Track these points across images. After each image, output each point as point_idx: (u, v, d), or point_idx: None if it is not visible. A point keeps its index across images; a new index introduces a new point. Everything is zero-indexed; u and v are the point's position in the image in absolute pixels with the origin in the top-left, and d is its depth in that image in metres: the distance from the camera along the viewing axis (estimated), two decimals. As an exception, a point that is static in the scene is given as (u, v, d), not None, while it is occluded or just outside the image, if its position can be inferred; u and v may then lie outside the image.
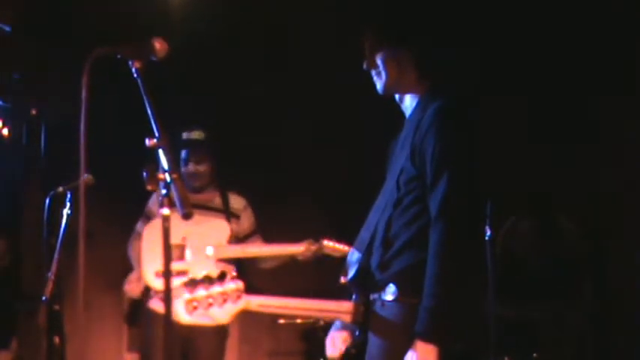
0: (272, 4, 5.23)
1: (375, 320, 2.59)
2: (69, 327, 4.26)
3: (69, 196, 4.01)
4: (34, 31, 5.28)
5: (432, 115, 2.53)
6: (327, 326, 4.54)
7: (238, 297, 2.46)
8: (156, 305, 4.39)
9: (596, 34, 4.66)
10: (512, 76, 4.77)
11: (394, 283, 2.53)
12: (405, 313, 2.49)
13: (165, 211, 2.07)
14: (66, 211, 3.99)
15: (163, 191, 2.08)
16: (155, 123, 2.15)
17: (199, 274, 4.09)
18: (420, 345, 2.38)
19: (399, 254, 2.54)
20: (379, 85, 2.69)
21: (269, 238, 4.69)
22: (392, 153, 2.77)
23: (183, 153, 4.48)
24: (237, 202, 4.57)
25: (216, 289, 2.44)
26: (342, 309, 2.65)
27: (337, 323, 2.76)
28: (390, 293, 2.53)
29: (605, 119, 4.60)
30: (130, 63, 2.24)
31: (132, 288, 4.55)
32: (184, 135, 4.50)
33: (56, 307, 3.97)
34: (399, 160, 2.63)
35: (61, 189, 4.06)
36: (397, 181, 2.59)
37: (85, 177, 2.21)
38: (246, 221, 4.58)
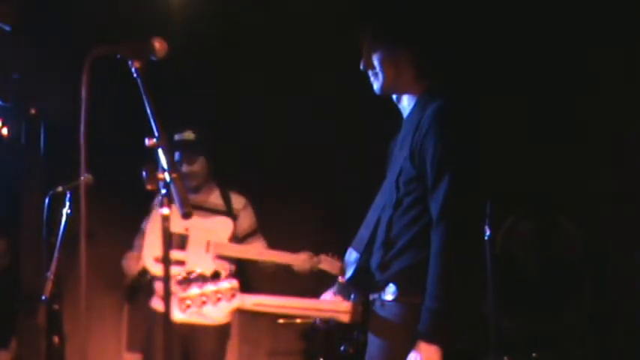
0: (272, 3, 5.23)
1: (375, 320, 2.60)
2: (68, 327, 4.25)
3: (68, 195, 4.01)
4: (33, 30, 5.28)
5: (431, 116, 2.53)
6: (324, 325, 4.56)
7: (233, 295, 2.47)
8: (157, 304, 4.40)
9: (596, 34, 4.65)
10: (513, 76, 4.77)
11: (394, 283, 2.53)
12: (405, 313, 2.49)
13: (165, 210, 2.08)
14: (65, 211, 3.98)
15: (163, 191, 2.08)
16: (154, 123, 2.15)
17: (195, 266, 4.12)
18: (423, 346, 2.38)
19: (399, 255, 2.54)
20: (376, 85, 2.69)
21: (269, 238, 4.68)
22: (391, 153, 2.77)
23: (176, 155, 4.48)
24: (236, 201, 4.57)
25: (210, 287, 2.45)
26: (340, 309, 2.65)
27: (335, 288, 2.76)
28: (389, 293, 2.53)
29: (606, 119, 4.60)
30: (130, 63, 2.24)
31: (128, 264, 4.57)
32: (176, 137, 4.50)
33: (56, 306, 3.97)
34: (398, 160, 2.63)
35: (60, 189, 4.06)
36: (396, 182, 2.58)
37: (85, 177, 2.21)
38: (245, 221, 4.57)
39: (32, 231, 5.03)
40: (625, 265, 4.49)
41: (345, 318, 2.64)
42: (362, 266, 2.68)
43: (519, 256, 4.74)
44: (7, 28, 5.17)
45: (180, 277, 2.41)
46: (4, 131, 5.53)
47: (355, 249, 2.72)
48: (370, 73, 2.70)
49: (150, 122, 2.15)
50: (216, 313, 2.48)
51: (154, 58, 2.28)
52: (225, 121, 5.40)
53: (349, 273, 2.69)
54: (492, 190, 2.88)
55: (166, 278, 2.10)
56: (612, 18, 4.64)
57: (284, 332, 5.24)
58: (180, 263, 4.24)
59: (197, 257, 4.28)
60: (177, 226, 4.16)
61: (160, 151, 2.11)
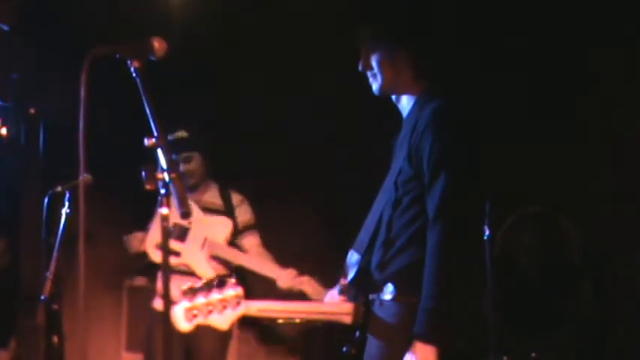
0: (272, 3, 5.23)
1: (374, 320, 2.60)
2: (67, 326, 4.25)
3: (68, 195, 4.01)
4: (33, 30, 5.28)
5: (428, 116, 2.53)
6: (325, 326, 4.56)
7: (238, 303, 2.48)
8: (159, 304, 4.39)
9: (596, 34, 4.65)
10: (513, 75, 4.76)
11: (392, 283, 2.53)
12: (402, 312, 2.49)
13: (164, 210, 2.08)
14: (65, 211, 3.98)
15: (162, 191, 2.08)
16: (154, 122, 2.15)
17: (189, 261, 4.12)
18: (419, 346, 2.38)
19: (397, 254, 2.54)
20: (375, 86, 2.70)
21: (268, 239, 4.68)
22: (393, 153, 2.77)
23: (172, 156, 4.46)
24: (233, 198, 4.56)
25: (216, 296, 2.47)
26: (342, 310, 2.64)
27: (338, 289, 2.75)
28: (388, 293, 2.53)
29: (606, 119, 4.59)
30: (129, 62, 2.23)
31: (131, 242, 4.62)
32: (169, 137, 4.49)
33: (55, 306, 3.97)
34: (398, 160, 2.64)
35: (59, 188, 4.05)
36: (396, 182, 2.59)
37: (84, 176, 2.21)
38: (241, 216, 4.55)
39: (31, 231, 5.03)
40: (625, 265, 4.49)
41: (347, 319, 2.64)
42: (363, 267, 2.68)
43: (519, 257, 4.74)
44: (6, 28, 5.17)
45: (185, 287, 2.42)
46: (4, 131, 5.53)
47: (356, 250, 2.72)
48: (369, 74, 2.71)
49: (149, 122, 2.15)
50: (221, 321, 2.49)
51: (153, 58, 2.28)
52: (225, 121, 5.40)
53: (351, 274, 2.69)
54: (492, 190, 2.87)
55: (166, 278, 2.10)
56: (612, 18, 4.64)
57: (283, 332, 5.24)
58: (176, 254, 4.27)
59: (192, 252, 4.33)
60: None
61: (160, 151, 2.11)
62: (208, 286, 2.44)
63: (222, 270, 4.39)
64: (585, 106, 4.65)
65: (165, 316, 2.12)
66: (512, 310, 4.57)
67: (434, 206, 2.44)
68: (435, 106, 2.55)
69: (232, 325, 4.39)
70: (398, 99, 2.73)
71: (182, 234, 4.37)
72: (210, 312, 2.44)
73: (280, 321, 4.67)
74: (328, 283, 2.67)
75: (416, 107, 2.65)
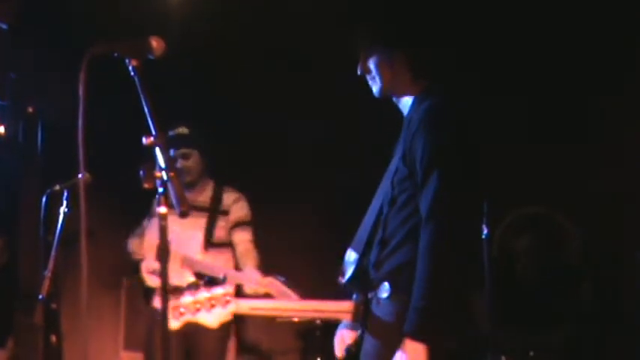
0: (271, 3, 5.22)
1: (371, 318, 2.60)
2: (66, 326, 4.25)
3: (66, 194, 4.00)
4: (31, 29, 5.27)
5: (422, 114, 2.54)
6: (324, 325, 4.56)
7: (227, 301, 2.51)
8: (158, 303, 4.39)
9: (596, 34, 4.65)
10: (513, 76, 4.76)
11: (388, 281, 2.53)
12: (398, 310, 2.49)
13: (162, 209, 2.07)
14: (63, 210, 3.97)
15: (160, 189, 2.07)
16: (152, 121, 2.14)
17: (173, 280, 4.07)
18: (409, 344, 2.38)
19: (392, 253, 2.55)
20: (375, 88, 2.70)
21: (268, 238, 4.67)
22: (394, 153, 2.77)
23: (171, 152, 4.46)
24: (228, 197, 4.53)
25: (203, 294, 2.51)
26: (342, 309, 2.64)
27: (345, 322, 2.74)
28: (384, 291, 2.54)
29: (606, 119, 4.59)
30: (127, 61, 2.23)
31: (132, 246, 4.59)
32: (170, 133, 4.48)
33: (53, 305, 3.96)
34: (395, 159, 2.64)
35: (58, 187, 4.04)
36: (392, 181, 2.60)
37: (83, 175, 2.20)
38: (236, 213, 4.51)
39: (30, 229, 5.02)
40: (625, 265, 4.48)
41: (347, 318, 2.64)
42: (361, 266, 2.67)
43: (517, 256, 4.74)
44: (4, 27, 5.16)
45: (172, 286, 2.43)
46: (2, 130, 5.52)
47: (354, 249, 2.72)
48: (368, 77, 2.71)
49: (147, 121, 2.14)
50: (210, 319, 2.52)
51: (151, 57, 2.27)
52: (225, 121, 5.39)
53: (348, 273, 2.69)
54: (491, 190, 2.86)
55: (164, 276, 2.10)
56: (612, 18, 4.64)
57: (281, 331, 5.24)
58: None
59: (174, 271, 4.15)
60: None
61: (158, 150, 2.11)
62: (196, 286, 2.48)
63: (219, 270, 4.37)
64: (585, 106, 4.66)
65: (163, 315, 2.12)
66: (511, 309, 4.57)
67: (426, 206, 2.43)
68: (428, 105, 2.56)
69: (230, 320, 4.44)
70: (398, 100, 2.73)
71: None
72: (197, 310, 2.48)
73: (279, 320, 4.71)
74: (328, 281, 2.66)
75: (413, 107, 2.65)
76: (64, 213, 3.96)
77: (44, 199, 4.11)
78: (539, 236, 4.71)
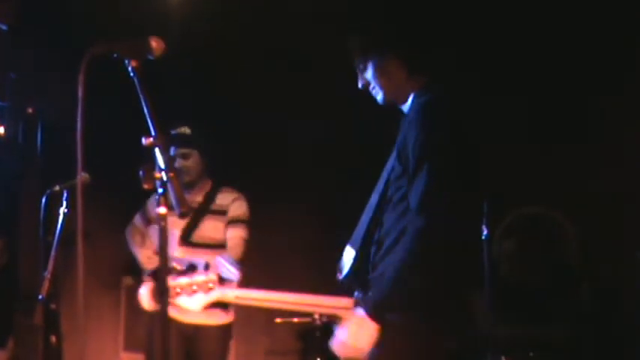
0: (271, 3, 5.22)
1: None
2: (66, 326, 4.25)
3: (65, 194, 4.00)
4: (31, 30, 5.27)
5: (414, 112, 2.55)
6: (324, 325, 4.56)
7: (210, 288, 2.56)
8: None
9: (596, 34, 4.65)
10: (513, 76, 4.76)
11: None
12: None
13: (162, 209, 2.07)
14: (62, 210, 3.97)
15: (160, 190, 2.07)
16: (152, 122, 2.14)
17: None
18: (360, 315, 2.43)
19: (385, 254, 2.55)
20: (379, 97, 2.72)
21: (268, 239, 4.67)
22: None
23: (171, 150, 4.45)
24: (225, 197, 4.51)
25: (184, 280, 2.56)
26: (340, 305, 2.64)
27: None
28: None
29: (606, 119, 4.59)
30: (127, 62, 2.22)
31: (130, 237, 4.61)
32: (171, 132, 4.48)
33: (53, 306, 3.96)
34: (391, 157, 2.64)
35: (57, 188, 4.04)
36: (388, 179, 2.60)
37: (82, 176, 2.20)
38: (233, 211, 4.49)
39: (29, 230, 5.02)
40: (625, 265, 4.48)
41: (345, 314, 2.63)
42: (358, 264, 2.67)
43: (517, 256, 4.74)
44: (4, 27, 5.16)
45: (151, 270, 2.46)
46: (1, 130, 5.52)
47: (352, 246, 2.72)
48: (370, 89, 2.72)
49: (147, 121, 2.14)
50: (191, 303, 2.57)
51: (151, 57, 2.27)
52: (225, 121, 5.39)
53: (346, 270, 2.69)
54: (491, 189, 2.86)
55: (163, 276, 2.09)
56: (612, 18, 4.64)
57: (281, 331, 5.24)
58: None
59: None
60: None
61: (157, 151, 2.10)
62: (177, 272, 2.52)
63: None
64: (585, 106, 4.65)
65: (163, 315, 2.11)
66: (511, 309, 4.57)
67: (415, 200, 2.42)
68: (423, 101, 2.57)
69: (231, 321, 4.44)
70: (403, 105, 2.73)
71: None
72: (178, 294, 2.54)
73: (278, 320, 4.71)
74: (327, 281, 2.66)
75: (412, 104, 2.66)
76: (64, 214, 3.96)
77: (44, 200, 4.10)
78: (538, 236, 4.71)
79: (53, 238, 3.94)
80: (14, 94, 5.46)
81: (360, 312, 2.45)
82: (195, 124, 4.57)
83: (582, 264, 4.64)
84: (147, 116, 2.15)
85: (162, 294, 2.11)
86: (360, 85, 2.73)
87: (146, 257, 4.47)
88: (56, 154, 5.06)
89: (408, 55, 2.65)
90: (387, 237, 2.56)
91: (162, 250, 2.11)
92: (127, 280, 5.34)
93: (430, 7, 3.49)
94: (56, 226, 3.96)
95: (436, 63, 2.71)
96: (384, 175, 2.68)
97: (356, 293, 2.67)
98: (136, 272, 4.76)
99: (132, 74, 2.22)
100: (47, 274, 3.86)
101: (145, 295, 2.67)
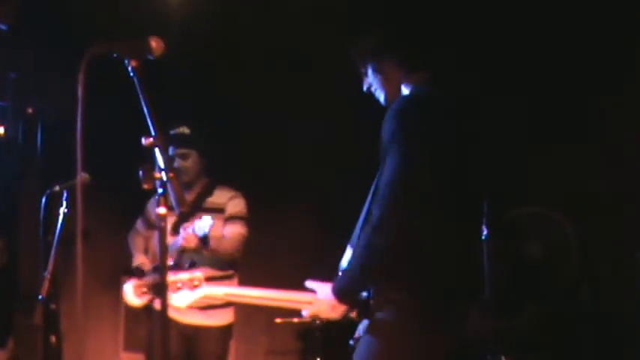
0: (271, 3, 5.22)
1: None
2: (66, 326, 4.24)
3: (65, 195, 4.00)
4: (31, 30, 5.26)
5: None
6: (324, 325, 4.56)
7: (195, 286, 2.60)
8: (158, 305, 4.38)
9: (596, 34, 4.65)
10: (513, 76, 4.76)
11: None
12: (387, 303, 2.50)
13: (162, 210, 2.07)
14: (62, 210, 3.97)
15: (160, 190, 2.07)
16: (152, 122, 2.14)
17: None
18: (327, 293, 2.50)
19: None
20: (381, 99, 2.75)
21: (268, 239, 4.66)
22: None
23: (170, 150, 4.45)
24: (222, 196, 4.50)
25: (169, 277, 2.58)
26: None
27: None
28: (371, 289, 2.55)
29: (606, 119, 4.59)
30: (127, 62, 2.22)
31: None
32: (170, 132, 4.48)
33: (53, 306, 3.96)
34: None
35: (57, 188, 4.04)
36: (378, 177, 2.62)
37: (82, 176, 2.20)
38: (230, 209, 4.49)
39: (29, 230, 5.02)
40: (625, 265, 4.48)
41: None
42: None
43: (517, 257, 4.73)
44: (4, 27, 5.16)
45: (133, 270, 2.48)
46: (1, 130, 5.52)
47: (351, 247, 2.73)
48: (372, 90, 2.75)
49: (147, 121, 2.14)
50: (178, 301, 2.60)
51: (151, 57, 2.27)
52: (225, 121, 5.39)
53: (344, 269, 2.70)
54: (491, 189, 2.86)
55: (163, 277, 2.10)
56: (612, 18, 4.64)
57: (280, 331, 5.24)
58: None
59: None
60: None
61: (157, 151, 2.10)
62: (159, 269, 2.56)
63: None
64: (585, 106, 4.65)
65: (163, 315, 2.12)
66: (510, 309, 4.57)
67: (381, 188, 2.46)
68: (400, 97, 2.61)
69: (231, 322, 4.44)
70: None
71: None
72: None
73: (278, 321, 4.71)
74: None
75: None
76: (64, 214, 3.96)
77: (44, 200, 4.10)
78: (538, 236, 4.71)
79: (53, 238, 3.94)
80: (14, 94, 5.46)
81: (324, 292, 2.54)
82: (195, 124, 4.57)
83: (583, 264, 4.64)
84: (147, 116, 2.15)
85: (162, 294, 2.12)
86: (364, 88, 2.77)
87: (140, 262, 4.47)
88: (56, 154, 5.06)
89: (403, 56, 2.68)
90: None
91: (162, 250, 2.11)
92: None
93: (428, 8, 3.49)
94: (56, 226, 3.96)
95: (432, 62, 2.72)
96: (379, 175, 2.69)
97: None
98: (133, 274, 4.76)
99: (132, 74, 2.22)
100: (47, 274, 3.87)
101: (128, 291, 2.72)
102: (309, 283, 2.61)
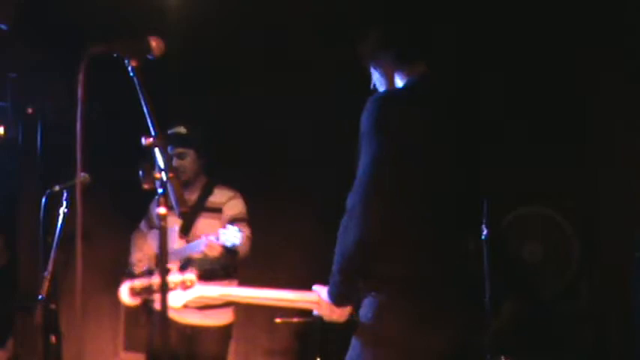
0: (271, 2, 5.22)
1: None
2: (65, 326, 4.25)
3: (65, 195, 4.00)
4: (31, 30, 5.26)
5: None
6: (323, 325, 4.56)
7: (188, 286, 2.62)
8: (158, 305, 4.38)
9: (596, 34, 4.65)
10: (513, 75, 4.76)
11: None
12: (366, 306, 2.52)
13: (162, 210, 2.07)
14: (62, 210, 3.97)
15: (160, 190, 2.07)
16: (151, 122, 2.14)
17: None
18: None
19: None
20: None
21: (267, 239, 4.66)
22: None
23: (168, 149, 4.45)
24: (221, 195, 4.51)
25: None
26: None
27: None
28: (362, 287, 2.55)
29: (604, 119, 4.59)
30: (127, 62, 2.22)
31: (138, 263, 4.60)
32: (168, 132, 4.48)
33: (52, 306, 3.97)
34: None
35: (57, 188, 4.05)
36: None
37: (82, 176, 2.20)
38: (230, 210, 4.49)
39: (29, 230, 5.02)
40: (624, 265, 4.48)
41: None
42: None
43: (517, 257, 4.74)
44: (4, 27, 5.16)
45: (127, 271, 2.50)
46: (1, 130, 5.52)
47: None
48: (377, 88, 2.79)
49: (147, 121, 2.14)
50: (172, 300, 2.60)
51: (151, 57, 2.27)
52: (224, 121, 5.39)
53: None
54: (491, 189, 2.86)
55: (163, 277, 2.10)
56: (611, 18, 4.64)
57: (280, 331, 5.24)
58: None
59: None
60: None
61: (157, 151, 2.10)
62: (150, 272, 2.57)
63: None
64: (585, 106, 4.65)
65: (163, 315, 2.12)
66: (510, 309, 4.57)
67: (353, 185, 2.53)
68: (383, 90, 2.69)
69: (231, 322, 4.45)
70: None
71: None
72: (154, 291, 2.61)
73: (278, 320, 4.71)
74: (327, 279, 2.66)
75: None
76: (64, 214, 3.97)
77: (44, 200, 4.11)
78: (538, 236, 4.72)
79: (53, 239, 3.95)
80: (14, 94, 5.46)
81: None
82: (195, 123, 4.57)
83: (583, 264, 4.64)
84: (146, 116, 2.15)
85: (162, 294, 2.12)
86: (372, 87, 2.80)
87: (136, 259, 4.47)
88: (56, 154, 5.07)
89: (394, 50, 2.70)
90: None
91: (162, 250, 2.11)
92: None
93: (425, 9, 3.49)
94: (56, 226, 3.97)
95: (424, 55, 2.72)
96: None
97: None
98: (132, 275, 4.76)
99: (132, 74, 2.22)
100: (47, 274, 3.87)
101: (123, 291, 2.71)
102: (315, 288, 2.64)
